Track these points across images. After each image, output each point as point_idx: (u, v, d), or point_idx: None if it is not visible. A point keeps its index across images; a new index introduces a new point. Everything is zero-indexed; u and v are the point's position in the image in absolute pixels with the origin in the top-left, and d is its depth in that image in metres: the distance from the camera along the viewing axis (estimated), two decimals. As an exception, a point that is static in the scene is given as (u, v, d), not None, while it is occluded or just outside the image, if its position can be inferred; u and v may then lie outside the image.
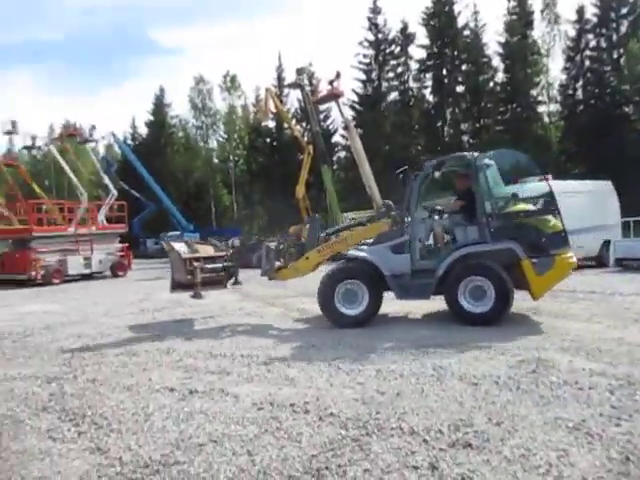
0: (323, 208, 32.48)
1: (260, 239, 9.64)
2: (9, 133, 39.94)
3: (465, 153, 7.92)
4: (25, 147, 42.10)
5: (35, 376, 5.62)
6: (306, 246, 8.09)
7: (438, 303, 8.01)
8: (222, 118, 49.36)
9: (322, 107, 38.70)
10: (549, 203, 7.40)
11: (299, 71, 25.31)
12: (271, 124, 43.10)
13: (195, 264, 8.48)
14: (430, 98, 40.77)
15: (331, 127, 42.70)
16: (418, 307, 8.43)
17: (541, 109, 38.52)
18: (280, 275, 8.27)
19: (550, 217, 7.20)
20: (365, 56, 40.88)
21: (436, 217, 7.97)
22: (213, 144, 50.60)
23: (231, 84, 50.03)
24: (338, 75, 24.24)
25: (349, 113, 37.92)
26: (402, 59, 41.05)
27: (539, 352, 5.51)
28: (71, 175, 26.50)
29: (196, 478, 3.09)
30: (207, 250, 9.18)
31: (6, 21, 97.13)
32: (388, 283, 7.35)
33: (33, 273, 18.60)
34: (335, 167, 38.21)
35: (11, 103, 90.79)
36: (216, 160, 50.59)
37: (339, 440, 3.52)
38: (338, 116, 39.67)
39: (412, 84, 41.32)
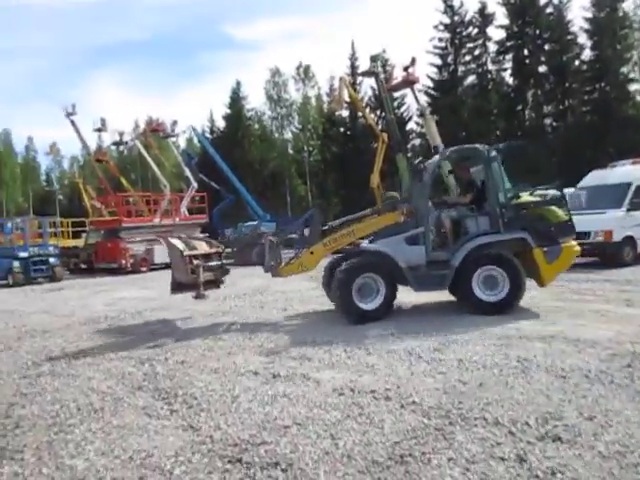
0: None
1: (258, 232, 8.92)
2: (99, 130, 42.40)
3: (477, 145, 7.89)
4: (114, 143, 44.58)
5: (129, 357, 6.02)
6: (308, 239, 7.68)
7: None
8: (297, 109, 49.91)
9: (396, 94, 38.20)
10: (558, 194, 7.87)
11: (373, 59, 25.04)
12: (345, 113, 42.94)
13: (196, 262, 7.73)
14: (510, 81, 38.97)
15: (405, 114, 41.96)
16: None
17: (632, 87, 35.89)
18: (284, 271, 7.64)
19: (556, 208, 7.54)
20: (441, 40, 39.68)
21: (446, 209, 7.88)
22: (288, 135, 51.28)
23: (305, 75, 50.43)
24: (413, 61, 23.74)
25: (424, 99, 37.09)
26: (480, 41, 39.45)
27: (633, 346, 5.21)
28: (155, 168, 27.78)
29: (283, 458, 3.20)
30: (203, 247, 8.45)
31: (93, 23, 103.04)
32: (405, 275, 7.13)
33: (123, 261, 19.80)
34: (410, 155, 37.55)
35: (100, 101, 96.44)
36: (291, 151, 51.25)
37: (422, 428, 3.52)
38: (413, 103, 38.99)
39: (490, 67, 39.71)
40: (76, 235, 25.25)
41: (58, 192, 73.17)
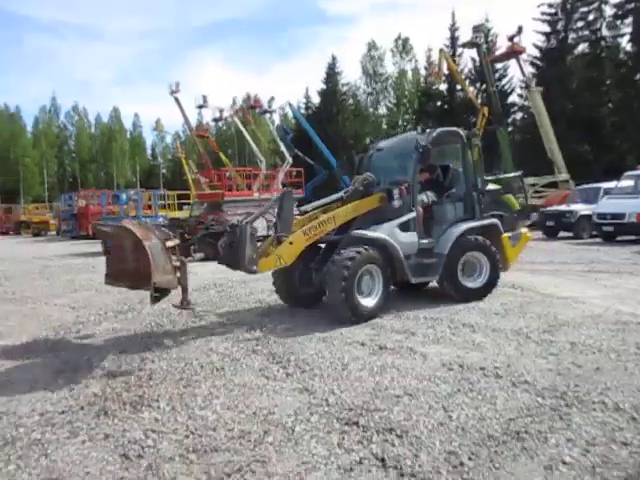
0: (497, 173, 30.95)
1: (221, 220, 6.45)
2: (200, 107, 44.18)
3: (455, 128, 7.58)
4: (213, 119, 46.19)
5: (241, 322, 6.40)
6: (279, 227, 6.08)
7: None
8: (392, 83, 49.15)
9: (498, 65, 36.44)
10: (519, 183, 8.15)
11: (475, 29, 23.92)
12: (443, 87, 41.72)
13: (177, 256, 5.33)
14: (628, 47, 35.84)
15: (507, 87, 39.95)
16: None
17: None
18: (260, 266, 5.82)
19: (511, 196, 7.97)
20: (551, 5, 37.12)
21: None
22: (382, 110, 50.75)
23: (402, 48, 49.42)
24: (520, 30, 22.58)
25: (529, 70, 35.03)
26: (595, 4, 36.49)
27: None
28: (252, 144, 28.67)
29: (397, 425, 3.32)
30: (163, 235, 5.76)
31: (196, 4, 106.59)
32: (403, 266, 6.51)
33: (225, 233, 20.76)
34: (511, 129, 35.81)
35: (201, 79, 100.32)
36: (385, 126, 50.73)
37: (536, 407, 3.50)
38: (516, 74, 37.16)
39: (605, 33, 36.70)
40: (179, 208, 26.77)
41: (162, 166, 77.59)
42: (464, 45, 27.44)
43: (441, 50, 24.84)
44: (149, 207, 21.30)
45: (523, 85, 32.30)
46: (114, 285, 5.55)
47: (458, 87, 36.92)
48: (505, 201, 7.97)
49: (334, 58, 50.64)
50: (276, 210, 6.24)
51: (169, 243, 5.25)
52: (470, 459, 2.88)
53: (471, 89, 33.60)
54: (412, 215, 6.71)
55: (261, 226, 8.98)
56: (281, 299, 7.18)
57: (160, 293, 5.15)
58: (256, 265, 5.70)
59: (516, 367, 4.31)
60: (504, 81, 39.81)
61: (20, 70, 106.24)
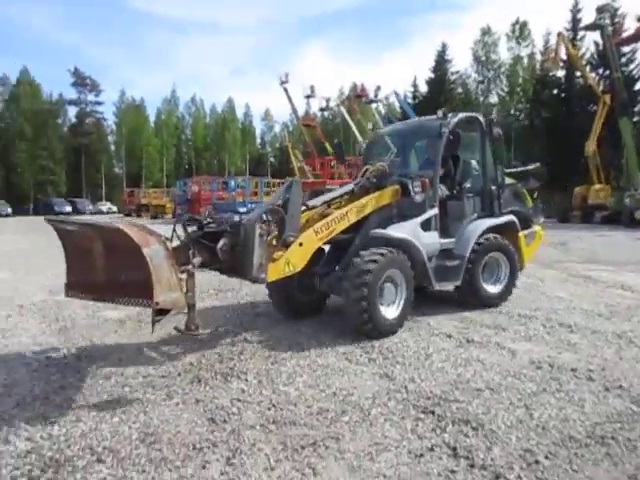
0: (617, 167, 28.63)
1: (218, 216, 5.23)
2: (308, 97, 45.14)
3: (474, 113, 6.83)
4: (320, 109, 47.07)
5: (331, 307, 6.55)
6: (287, 225, 4.85)
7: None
8: (505, 70, 46.92)
9: (625, 49, 33.48)
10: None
11: (600, 9, 22.12)
12: (560, 73, 39.08)
13: (184, 267, 4.19)
14: None
15: (635, 72, 36.57)
16: None
17: None
18: (268, 274, 4.64)
19: (525, 191, 7.19)
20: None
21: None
22: (494, 99, 48.64)
23: (520, 33, 46.95)
24: (651, 9, 20.52)
25: (662, 53, 31.87)
26: None
27: None
28: (356, 133, 28.80)
29: (474, 417, 3.29)
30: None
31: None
32: (426, 269, 5.73)
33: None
34: (636, 119, 32.82)
35: (310, 70, 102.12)
36: (495, 115, 48.58)
37: (629, 414, 3.30)
38: (647, 58, 33.89)
39: None
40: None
41: (270, 155, 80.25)
42: (586, 28, 25.49)
43: (559, 34, 23.37)
44: (255, 194, 22.25)
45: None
46: (79, 297, 4.29)
47: (577, 74, 34.37)
48: (521, 196, 7.06)
49: (444, 45, 49.26)
50: (281, 205, 4.99)
51: (169, 248, 4.00)
52: (547, 458, 2.80)
53: (592, 75, 31.17)
54: (434, 212, 5.90)
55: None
56: (275, 308, 6.08)
57: (163, 315, 4.05)
58: (265, 273, 4.60)
59: (612, 371, 4.07)
60: (631, 66, 36.47)
61: (146, 65, 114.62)
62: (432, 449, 2.93)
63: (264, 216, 4.82)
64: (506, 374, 4.06)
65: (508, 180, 7.09)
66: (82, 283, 4.19)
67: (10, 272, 9.97)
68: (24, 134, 57.12)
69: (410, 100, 49.45)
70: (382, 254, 5.11)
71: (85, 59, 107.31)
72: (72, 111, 67.42)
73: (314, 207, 5.56)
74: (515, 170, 8.01)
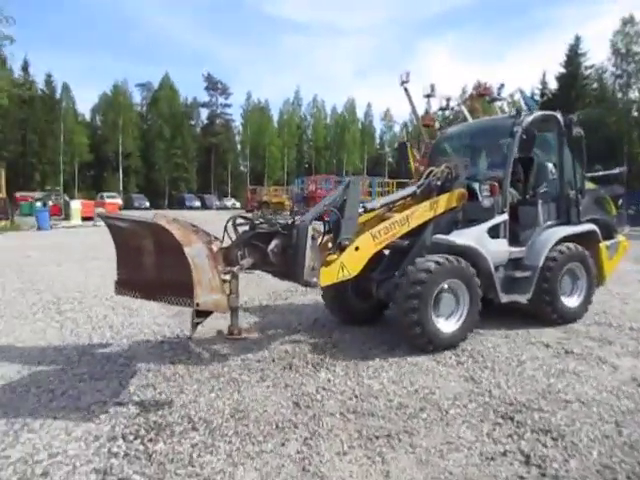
0: None
1: (270, 217, 4.89)
2: (428, 96, 44.43)
3: (551, 112, 6.21)
4: (440, 108, 46.11)
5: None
6: (343, 227, 4.62)
7: None
8: (650, 62, 42.67)
9: None
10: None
11: None
12: None
13: (228, 268, 4.06)
14: None
15: None
16: None
17: None
18: (321, 279, 4.43)
19: (609, 198, 6.70)
20: None
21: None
22: (634, 94, 44.39)
23: (669, 21, 42.42)
24: None
25: None
26: None
27: None
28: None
29: (556, 428, 3.21)
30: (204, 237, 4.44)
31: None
32: (493, 280, 5.24)
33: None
34: None
35: (431, 69, 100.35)
36: (635, 113, 44.36)
37: None
38: None
39: None
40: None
41: (388, 155, 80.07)
42: None
43: None
44: (369, 193, 22.49)
45: None
46: (129, 295, 4.20)
47: None
48: (603, 203, 6.31)
49: (578, 38, 45.93)
50: (338, 206, 4.78)
51: (214, 248, 4.01)
52: (628, 478, 2.69)
53: None
54: (503, 218, 5.48)
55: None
56: (332, 314, 5.95)
57: (204, 316, 3.85)
58: (317, 277, 4.41)
59: None
60: None
61: (274, 67, 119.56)
62: (505, 454, 2.92)
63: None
64: (602, 389, 3.87)
65: (589, 185, 6.56)
66: (131, 281, 4.12)
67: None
68: (162, 135, 62.68)
69: (538, 98, 46.78)
70: (438, 262, 4.74)
71: (217, 63, 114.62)
72: (204, 113, 72.66)
73: (373, 209, 5.32)
74: (597, 174, 7.33)
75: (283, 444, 3.04)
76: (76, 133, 58.48)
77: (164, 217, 3.86)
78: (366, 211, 5.20)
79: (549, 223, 6.00)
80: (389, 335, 5.32)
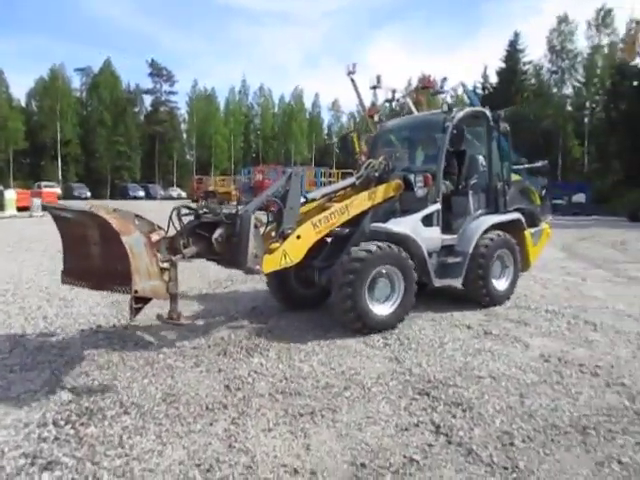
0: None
1: (214, 206, 4.87)
2: (374, 88, 44.97)
3: (481, 108, 6.88)
4: (386, 100, 46.76)
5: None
6: (285, 217, 4.86)
7: None
8: (582, 60, 44.83)
9: None
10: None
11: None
12: (641, 63, 36.87)
13: (164, 255, 4.21)
14: None
15: None
16: None
17: None
18: (264, 265, 4.68)
19: (534, 188, 7.26)
20: None
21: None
22: (568, 90, 46.60)
23: (602, 21, 44.66)
24: None
25: None
26: None
27: None
28: (421, 125, 28.53)
29: (467, 401, 3.51)
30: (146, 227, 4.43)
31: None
32: (427, 266, 5.62)
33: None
34: None
35: (378, 60, 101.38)
36: (569, 108, 46.57)
37: (620, 409, 3.41)
38: None
39: None
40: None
41: (336, 145, 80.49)
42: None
43: (638, 22, 22.12)
44: (314, 183, 22.69)
45: None
46: (74, 285, 4.34)
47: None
48: (528, 194, 6.91)
49: (517, 34, 47.62)
50: (281, 196, 5.02)
51: (154, 237, 4.13)
52: (523, 441, 2.99)
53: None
54: (436, 207, 5.82)
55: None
56: (277, 301, 6.19)
57: (143, 303, 4.00)
58: (260, 264, 4.63)
59: (620, 369, 4.13)
60: None
61: (221, 56, 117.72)
62: (417, 425, 3.18)
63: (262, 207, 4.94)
64: (512, 365, 4.22)
65: (515, 177, 7.07)
66: (76, 270, 4.23)
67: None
68: (104, 122, 60.58)
69: (480, 91, 48.22)
70: (370, 251, 4.99)
71: (163, 50, 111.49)
72: (148, 100, 70.73)
73: (314, 199, 5.55)
74: (522, 167, 7.97)
75: (211, 424, 3.19)
76: (10, 119, 55.72)
77: (103, 207, 3.89)
78: (307, 201, 5.39)
79: (479, 212, 6.40)
80: (323, 320, 5.54)
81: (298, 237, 4.90)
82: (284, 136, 75.01)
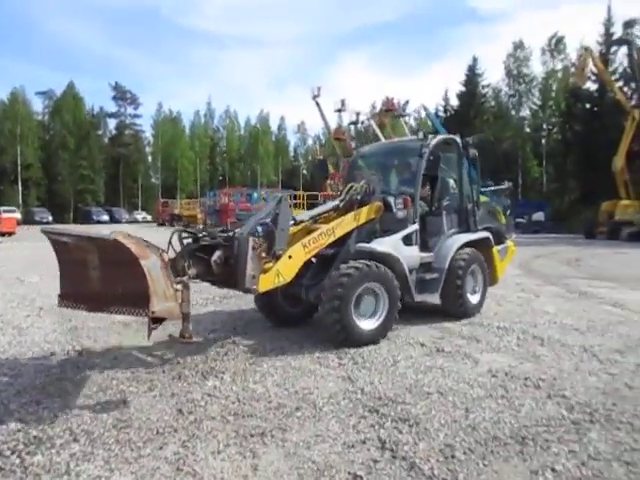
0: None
1: (212, 230, 5.30)
2: (339, 110, 45.72)
3: (452, 135, 7.24)
4: (351, 122, 47.55)
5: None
6: (277, 238, 5.13)
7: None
8: (538, 84, 46.64)
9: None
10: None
11: (627, 25, 21.91)
12: (593, 87, 38.58)
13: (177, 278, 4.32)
14: None
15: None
16: None
17: None
18: (260, 285, 4.93)
19: (499, 208, 8.14)
20: None
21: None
22: (525, 112, 48.31)
23: (555, 47, 46.64)
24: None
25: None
26: None
27: None
28: (384, 147, 29.11)
29: (414, 417, 3.61)
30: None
31: (344, 9, 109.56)
32: (408, 283, 5.98)
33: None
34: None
35: (343, 83, 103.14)
36: (528, 129, 48.21)
37: (558, 419, 3.56)
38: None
39: None
40: (309, 207, 28.17)
41: (303, 167, 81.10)
42: (614, 42, 25.34)
43: (586, 48, 23.29)
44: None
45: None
46: (71, 307, 4.46)
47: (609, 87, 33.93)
48: (495, 214, 7.67)
49: (475, 59, 49.13)
50: (271, 219, 5.35)
51: (165, 259, 4.13)
52: (464, 453, 3.10)
53: (622, 89, 30.67)
54: (415, 227, 6.20)
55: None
56: (265, 317, 6.47)
57: (158, 323, 4.08)
58: (256, 284, 4.89)
59: (562, 382, 4.31)
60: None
61: (186, 79, 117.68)
62: (364, 442, 3.27)
63: (256, 230, 5.20)
64: (460, 380, 4.35)
65: (482, 198, 7.52)
66: (75, 294, 4.37)
67: (38, 276, 10.69)
68: (66, 145, 59.65)
69: (442, 113, 49.48)
70: (357, 268, 5.31)
71: (128, 74, 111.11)
72: (112, 123, 70.08)
73: (302, 222, 5.93)
74: (488, 189, 8.54)
75: (161, 448, 3.20)
76: (-32, 142, 54.43)
77: (120, 233, 4.03)
78: (296, 223, 5.80)
79: (452, 231, 6.89)
80: (280, 342, 5.60)
81: (290, 257, 5.22)
82: (250, 158, 75.25)
